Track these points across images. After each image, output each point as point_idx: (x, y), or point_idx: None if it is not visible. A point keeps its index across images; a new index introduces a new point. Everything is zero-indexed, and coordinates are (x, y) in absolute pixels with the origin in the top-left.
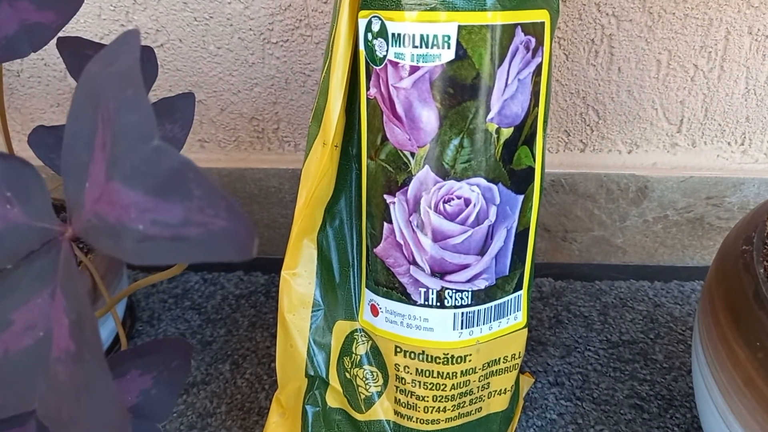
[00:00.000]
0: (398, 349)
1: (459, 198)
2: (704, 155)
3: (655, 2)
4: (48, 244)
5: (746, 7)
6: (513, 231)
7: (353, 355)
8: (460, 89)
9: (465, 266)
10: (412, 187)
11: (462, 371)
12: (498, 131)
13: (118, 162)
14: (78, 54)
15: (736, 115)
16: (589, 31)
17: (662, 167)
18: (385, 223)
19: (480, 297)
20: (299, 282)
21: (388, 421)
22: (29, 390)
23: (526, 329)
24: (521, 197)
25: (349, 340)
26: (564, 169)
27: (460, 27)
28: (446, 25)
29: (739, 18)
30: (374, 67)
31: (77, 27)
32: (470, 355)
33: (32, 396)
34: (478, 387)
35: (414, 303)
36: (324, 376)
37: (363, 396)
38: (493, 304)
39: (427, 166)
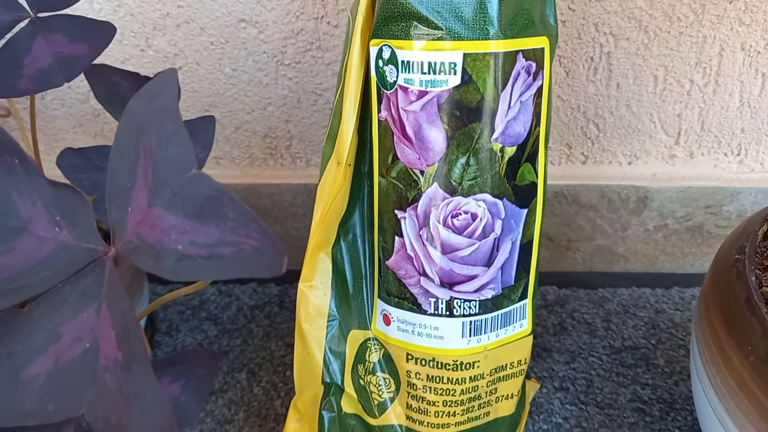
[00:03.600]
0: (410, 357)
1: (466, 213)
2: (702, 166)
3: (651, 22)
4: (93, 264)
5: (738, 24)
6: (518, 243)
7: (366, 362)
8: (466, 112)
9: (472, 277)
10: (421, 203)
11: (471, 377)
12: (502, 150)
13: (160, 189)
14: (104, 80)
15: (731, 127)
16: (588, 49)
17: (661, 178)
18: (396, 237)
19: (487, 306)
20: (315, 294)
21: (400, 426)
22: (78, 397)
23: (531, 336)
24: (525, 211)
25: (363, 348)
26: (566, 180)
27: (465, 55)
28: (452, 54)
29: (732, 35)
30: (385, 91)
31: None
32: (478, 361)
33: (80, 402)
34: (486, 392)
35: (424, 312)
36: (339, 383)
37: (376, 401)
38: (499, 312)
39: (435, 184)
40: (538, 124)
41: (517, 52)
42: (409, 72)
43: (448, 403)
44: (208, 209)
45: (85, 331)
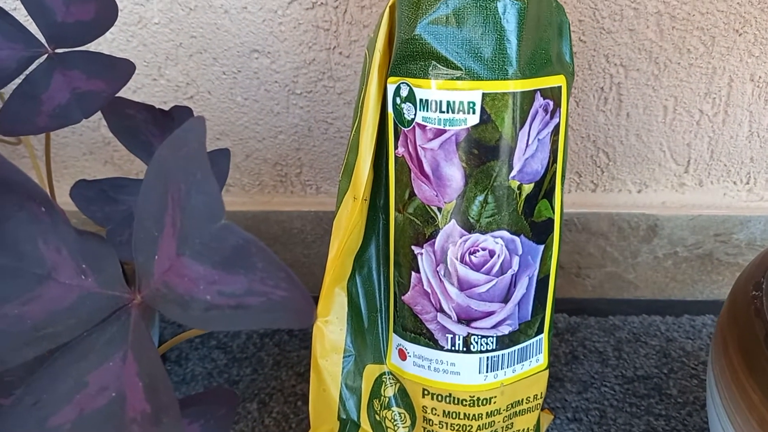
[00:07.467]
0: (426, 392)
1: (484, 250)
2: (711, 194)
3: (661, 53)
4: (119, 311)
5: (747, 56)
6: (534, 279)
7: (382, 397)
8: (484, 150)
9: (490, 313)
10: (439, 240)
11: (487, 413)
12: (520, 187)
13: (188, 239)
14: (118, 113)
15: (740, 156)
16: (599, 79)
17: (671, 206)
18: (413, 273)
19: (504, 342)
20: (331, 329)
21: None
22: None
23: (548, 371)
24: (542, 247)
25: (378, 383)
26: (576, 208)
27: (484, 94)
28: (471, 93)
29: (742, 66)
30: (402, 128)
31: None
32: (495, 397)
33: None
34: (503, 427)
35: (441, 348)
36: (355, 419)
37: None
38: (516, 348)
39: (453, 220)
40: (555, 161)
41: (535, 91)
42: (427, 110)
43: None
44: (236, 259)
45: (111, 380)
